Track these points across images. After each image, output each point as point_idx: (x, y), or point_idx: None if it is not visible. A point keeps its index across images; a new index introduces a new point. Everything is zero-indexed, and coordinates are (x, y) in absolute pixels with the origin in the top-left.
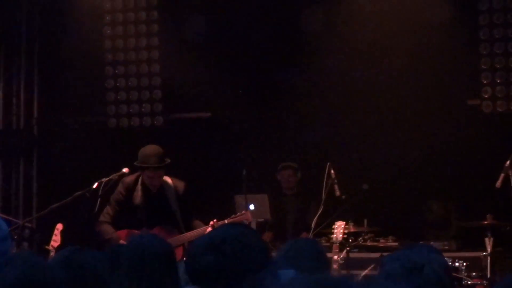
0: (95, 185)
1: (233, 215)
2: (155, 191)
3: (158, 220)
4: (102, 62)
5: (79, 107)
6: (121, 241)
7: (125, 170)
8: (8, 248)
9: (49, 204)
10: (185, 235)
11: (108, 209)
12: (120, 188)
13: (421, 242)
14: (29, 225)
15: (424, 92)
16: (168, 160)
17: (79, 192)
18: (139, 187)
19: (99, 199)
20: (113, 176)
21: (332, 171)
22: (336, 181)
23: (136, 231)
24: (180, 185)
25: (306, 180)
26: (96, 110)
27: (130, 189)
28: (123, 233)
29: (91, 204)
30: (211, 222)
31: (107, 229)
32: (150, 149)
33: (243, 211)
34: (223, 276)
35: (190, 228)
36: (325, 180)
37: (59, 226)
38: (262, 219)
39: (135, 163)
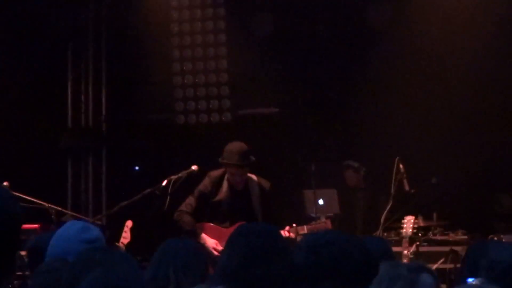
0: (164, 183)
1: (313, 222)
2: (240, 188)
3: (239, 217)
4: (170, 59)
5: (147, 105)
6: (203, 234)
7: (194, 167)
8: None
9: (118, 201)
10: None
11: (191, 200)
12: (206, 181)
13: (491, 235)
14: (99, 222)
15: (495, 85)
16: (252, 159)
17: (149, 190)
18: (225, 182)
19: (168, 197)
20: (182, 173)
21: (401, 166)
22: (405, 175)
23: (217, 225)
24: (266, 185)
25: (375, 175)
26: (164, 107)
27: (216, 183)
28: (204, 225)
29: (160, 202)
30: (287, 227)
31: (188, 220)
32: (234, 146)
33: (324, 219)
34: (308, 278)
35: None
36: (394, 174)
37: (129, 223)
38: (331, 214)
39: (219, 159)
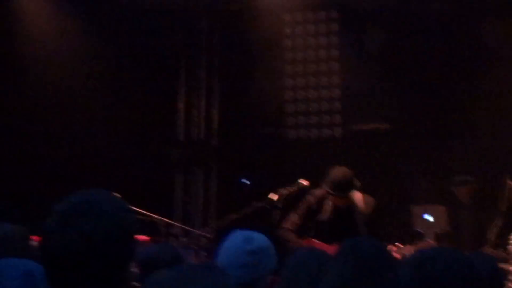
0: (275, 197)
1: (419, 242)
2: (344, 207)
3: (343, 235)
4: (282, 74)
5: (258, 119)
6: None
7: (305, 182)
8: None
9: (227, 214)
10: None
11: (294, 218)
12: (310, 199)
13: None
14: (208, 235)
15: None
16: (355, 186)
17: (259, 203)
18: (328, 201)
19: (279, 211)
20: (293, 188)
21: (510, 183)
22: None
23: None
24: (370, 202)
25: (484, 191)
26: (274, 121)
27: (320, 202)
28: (308, 242)
29: (271, 215)
30: (391, 247)
31: (290, 237)
32: (336, 175)
33: (429, 240)
34: None
35: None
36: (503, 192)
37: None
38: (439, 231)
39: (323, 184)
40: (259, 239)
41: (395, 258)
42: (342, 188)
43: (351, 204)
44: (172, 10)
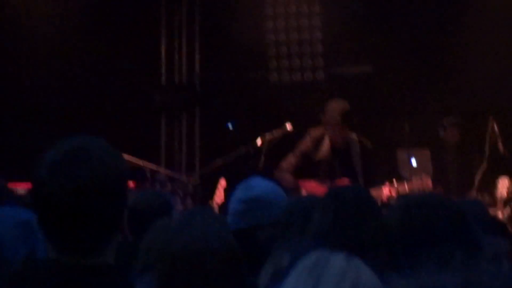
0: (259, 142)
1: (413, 179)
2: (341, 147)
3: (340, 175)
4: (263, 17)
5: (240, 62)
6: (304, 191)
7: (288, 126)
8: None
9: (211, 159)
10: None
11: (291, 159)
12: (307, 140)
13: None
14: (193, 181)
15: None
16: (355, 118)
17: (243, 149)
18: (326, 141)
19: (263, 156)
20: (276, 132)
21: (495, 126)
22: (499, 136)
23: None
24: (367, 143)
25: (468, 133)
26: (257, 65)
27: (317, 142)
28: (305, 183)
29: (255, 161)
30: (387, 184)
31: (288, 178)
32: (335, 105)
33: (423, 176)
34: (401, 240)
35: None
36: (488, 135)
37: (223, 182)
38: (425, 175)
39: (321, 117)
40: (259, 187)
41: (378, 204)
42: (343, 117)
43: (349, 144)
44: None
